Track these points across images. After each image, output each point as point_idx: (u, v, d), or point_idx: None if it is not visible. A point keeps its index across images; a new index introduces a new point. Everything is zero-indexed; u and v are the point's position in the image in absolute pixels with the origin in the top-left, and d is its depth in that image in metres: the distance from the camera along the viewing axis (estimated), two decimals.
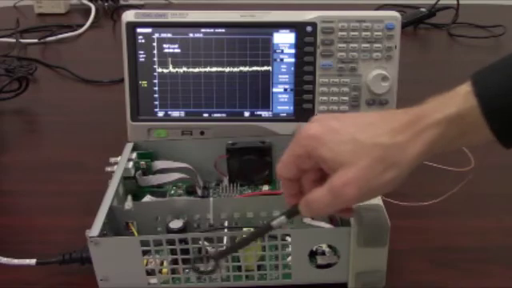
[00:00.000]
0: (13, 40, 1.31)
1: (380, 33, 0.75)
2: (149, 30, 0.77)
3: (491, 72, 0.44)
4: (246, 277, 0.56)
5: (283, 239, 0.54)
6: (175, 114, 0.79)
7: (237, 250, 0.53)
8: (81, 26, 1.43)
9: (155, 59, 0.77)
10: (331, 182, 0.45)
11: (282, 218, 0.49)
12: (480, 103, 0.42)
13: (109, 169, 0.66)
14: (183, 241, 0.53)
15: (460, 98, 0.44)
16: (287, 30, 0.76)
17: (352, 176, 0.44)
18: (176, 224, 0.58)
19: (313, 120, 0.49)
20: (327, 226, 0.59)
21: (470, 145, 0.46)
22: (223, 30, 0.77)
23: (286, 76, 0.78)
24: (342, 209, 0.48)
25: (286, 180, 0.50)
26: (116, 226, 0.59)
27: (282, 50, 0.77)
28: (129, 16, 0.77)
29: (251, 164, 0.70)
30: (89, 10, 1.52)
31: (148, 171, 0.70)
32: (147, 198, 0.66)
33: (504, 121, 0.43)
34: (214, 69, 0.77)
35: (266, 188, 0.71)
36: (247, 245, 0.52)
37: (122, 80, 0.79)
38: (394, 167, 0.44)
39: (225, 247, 0.54)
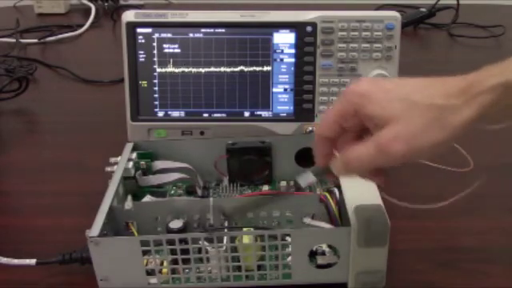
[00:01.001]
0: (13, 40, 1.31)
1: (380, 33, 0.75)
2: (149, 30, 0.77)
3: None
4: (246, 277, 0.56)
5: (283, 239, 0.54)
6: (175, 114, 0.79)
7: (255, 209, 0.54)
8: (81, 26, 1.43)
9: (155, 59, 0.77)
10: (378, 137, 0.45)
11: (311, 177, 0.51)
12: None
13: (109, 169, 0.66)
14: (183, 241, 0.53)
15: None
16: (287, 30, 0.76)
17: (402, 131, 0.44)
18: (176, 224, 0.58)
19: (361, 79, 0.48)
20: (327, 226, 0.59)
21: None
22: (223, 30, 0.77)
23: (286, 76, 0.78)
24: (376, 171, 0.48)
25: (324, 139, 0.49)
26: (116, 226, 0.59)
27: (282, 50, 0.77)
28: (129, 16, 0.77)
29: (251, 164, 0.70)
30: (89, 10, 1.52)
31: (148, 171, 0.70)
32: (147, 198, 0.66)
33: None
34: (214, 69, 0.77)
35: (265, 188, 0.71)
36: (267, 204, 0.54)
37: (122, 80, 0.79)
38: (445, 129, 0.44)
39: (241, 205, 0.55)
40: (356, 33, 0.76)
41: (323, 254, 0.57)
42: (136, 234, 0.58)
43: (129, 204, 0.60)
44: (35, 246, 0.63)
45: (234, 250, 0.55)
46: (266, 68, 0.77)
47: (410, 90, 0.46)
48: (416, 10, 1.42)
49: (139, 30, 0.77)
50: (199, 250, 0.54)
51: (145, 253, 0.54)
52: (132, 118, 0.79)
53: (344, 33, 0.76)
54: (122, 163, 0.66)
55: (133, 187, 0.68)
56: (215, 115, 0.79)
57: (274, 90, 0.78)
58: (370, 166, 0.47)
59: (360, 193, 0.58)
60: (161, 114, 0.79)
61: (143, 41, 0.77)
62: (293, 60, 0.77)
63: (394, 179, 0.77)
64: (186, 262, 0.54)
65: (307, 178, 0.51)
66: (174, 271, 0.56)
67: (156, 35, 0.77)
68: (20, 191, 0.77)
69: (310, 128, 0.78)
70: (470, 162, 0.70)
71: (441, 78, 0.47)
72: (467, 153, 0.72)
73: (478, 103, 0.44)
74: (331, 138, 0.49)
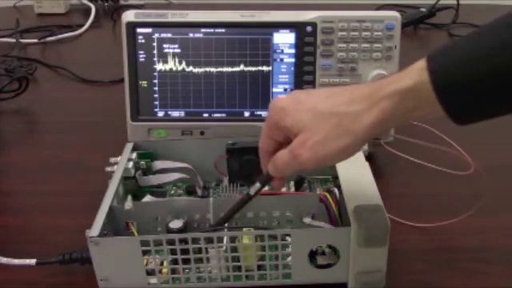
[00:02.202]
0: (13, 40, 1.31)
1: (380, 33, 0.75)
2: (149, 30, 0.77)
3: (445, 50, 0.45)
4: (246, 277, 0.56)
5: (283, 239, 0.54)
6: (175, 113, 0.79)
7: (225, 224, 0.57)
8: (81, 26, 1.43)
9: (155, 59, 0.77)
10: (291, 145, 0.50)
11: (257, 185, 0.56)
12: (431, 78, 0.44)
13: (109, 169, 0.66)
14: (183, 241, 0.53)
15: (414, 73, 0.46)
16: (287, 30, 0.76)
17: (308, 140, 0.48)
18: (176, 224, 0.58)
19: (286, 94, 0.52)
20: (327, 226, 0.59)
21: (424, 119, 0.48)
22: (223, 30, 0.77)
23: (286, 76, 0.78)
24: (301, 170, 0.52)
25: (265, 152, 0.54)
26: (116, 226, 0.59)
27: (282, 50, 0.77)
28: (129, 16, 0.77)
29: (251, 164, 0.70)
30: (89, 10, 1.52)
31: (148, 171, 0.70)
32: (147, 198, 0.66)
33: (453, 96, 0.44)
34: (214, 69, 0.77)
35: (266, 188, 0.71)
36: (233, 217, 0.57)
37: (122, 80, 0.79)
38: (348, 135, 0.47)
39: (215, 223, 0.58)
40: (356, 33, 0.76)
41: (323, 253, 0.57)
42: (136, 234, 0.59)
43: (129, 204, 0.60)
44: (35, 246, 0.64)
45: (234, 250, 0.55)
46: (266, 68, 0.77)
47: (317, 99, 0.50)
48: (416, 10, 1.42)
49: (139, 30, 0.77)
50: (199, 250, 0.54)
51: (145, 253, 0.54)
52: (132, 117, 0.79)
53: (344, 33, 0.76)
54: (122, 163, 0.66)
55: (133, 187, 0.68)
56: (215, 115, 0.79)
57: (274, 90, 0.78)
58: (288, 167, 0.51)
59: (360, 193, 0.58)
60: (161, 113, 0.79)
61: (143, 41, 0.77)
62: (293, 60, 0.77)
63: (394, 179, 0.77)
64: (185, 262, 0.54)
65: (255, 186, 0.56)
66: (174, 271, 0.56)
67: (156, 35, 0.77)
68: (20, 191, 0.77)
69: None
70: (470, 164, 0.70)
71: (350, 86, 0.51)
72: (468, 154, 0.72)
73: (379, 108, 0.47)
74: (271, 151, 0.54)
